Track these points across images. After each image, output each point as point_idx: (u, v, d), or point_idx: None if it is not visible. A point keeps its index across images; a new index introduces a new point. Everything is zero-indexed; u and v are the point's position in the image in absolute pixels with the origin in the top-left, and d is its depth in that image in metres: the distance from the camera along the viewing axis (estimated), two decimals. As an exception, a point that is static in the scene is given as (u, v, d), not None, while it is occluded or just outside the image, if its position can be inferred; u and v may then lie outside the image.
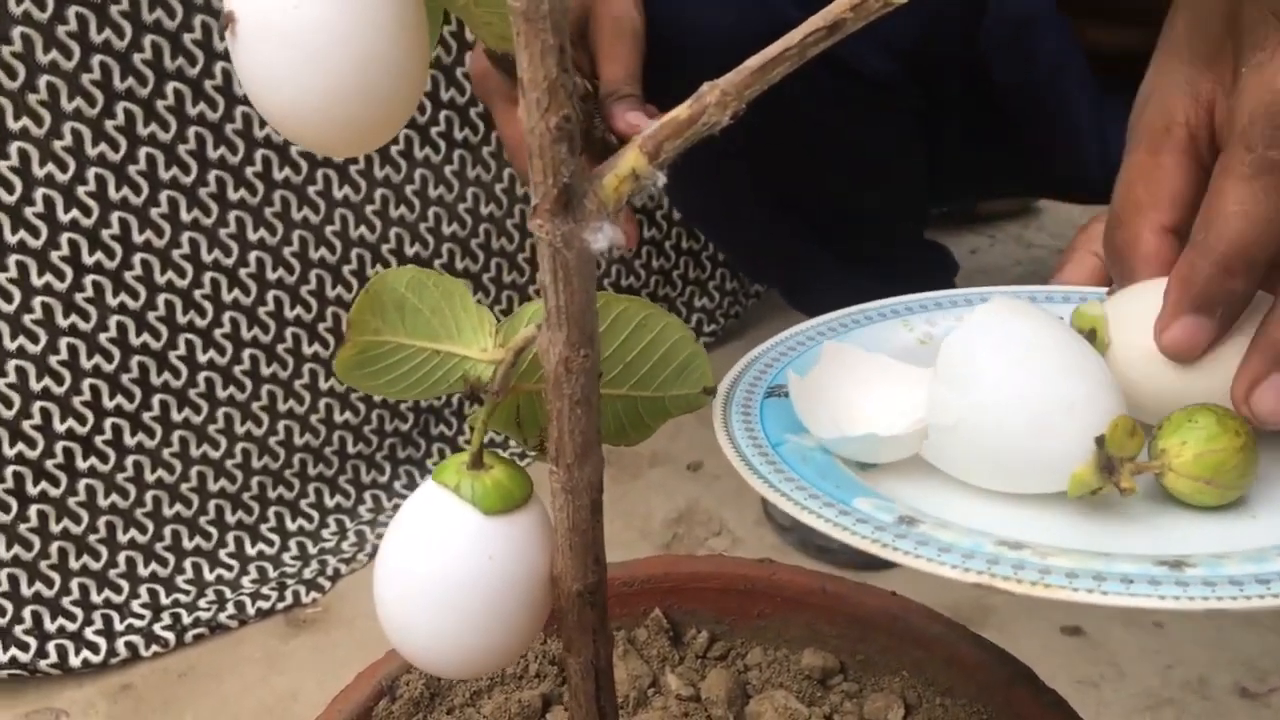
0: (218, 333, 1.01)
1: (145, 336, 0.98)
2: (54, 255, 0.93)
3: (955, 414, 0.37)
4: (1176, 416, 0.39)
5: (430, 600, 0.33)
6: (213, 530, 1.04)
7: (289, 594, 1.02)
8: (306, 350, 1.06)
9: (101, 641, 0.97)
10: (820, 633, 0.52)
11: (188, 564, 1.03)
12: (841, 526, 0.35)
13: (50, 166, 0.91)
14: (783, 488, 0.37)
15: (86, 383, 0.96)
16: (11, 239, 0.91)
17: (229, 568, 1.04)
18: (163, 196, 0.96)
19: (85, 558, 0.98)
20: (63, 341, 0.95)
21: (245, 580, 1.04)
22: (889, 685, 0.50)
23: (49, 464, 0.96)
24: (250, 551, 1.06)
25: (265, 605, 1.01)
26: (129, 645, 0.97)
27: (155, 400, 1.00)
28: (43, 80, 0.89)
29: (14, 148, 0.90)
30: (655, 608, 0.54)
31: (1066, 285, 0.50)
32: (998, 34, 0.90)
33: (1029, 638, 0.90)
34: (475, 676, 0.34)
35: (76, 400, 0.96)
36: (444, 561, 0.33)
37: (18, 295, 0.92)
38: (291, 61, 0.33)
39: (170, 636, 0.98)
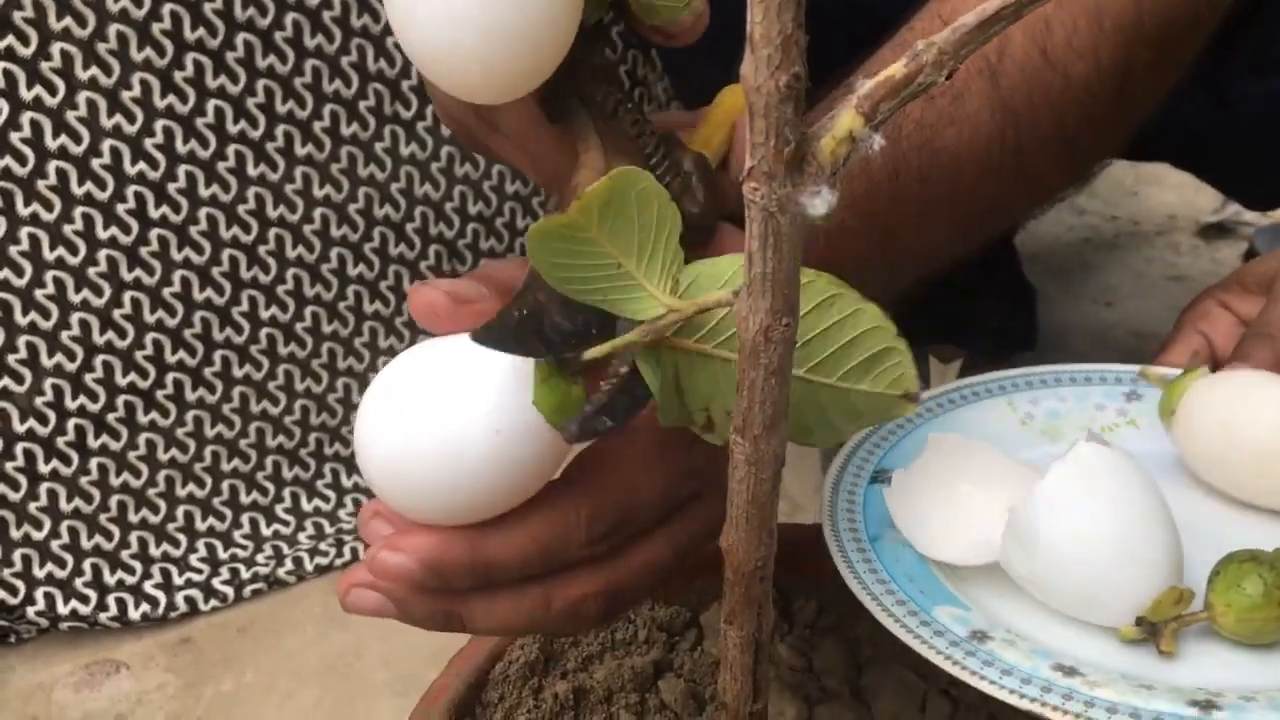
0: (281, 289, 1.01)
1: (209, 291, 0.97)
2: (120, 208, 0.92)
3: (1021, 570, 0.43)
4: (1230, 572, 0.42)
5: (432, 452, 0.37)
6: (270, 485, 1.04)
7: (347, 550, 1.02)
8: (368, 308, 1.05)
9: (160, 595, 0.97)
10: (935, 605, 0.51)
11: (245, 519, 1.03)
12: (920, 639, 0.40)
13: (118, 118, 0.90)
14: (874, 590, 0.42)
15: (149, 337, 0.96)
16: (78, 190, 0.90)
17: (285, 523, 1.04)
18: (230, 150, 0.95)
19: (144, 511, 0.98)
20: (126, 295, 0.94)
21: (302, 536, 1.03)
22: (1006, 660, 0.50)
23: (110, 418, 0.96)
24: (306, 507, 1.05)
25: (324, 561, 1.01)
26: (188, 599, 0.97)
27: (217, 356, 0.99)
28: (113, 29, 0.88)
29: (82, 97, 0.89)
30: (763, 576, 0.53)
31: (1172, 364, 0.55)
32: None
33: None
34: None
35: (139, 355, 0.96)
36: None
37: (83, 248, 0.91)
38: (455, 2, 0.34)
39: (229, 591, 0.98)
